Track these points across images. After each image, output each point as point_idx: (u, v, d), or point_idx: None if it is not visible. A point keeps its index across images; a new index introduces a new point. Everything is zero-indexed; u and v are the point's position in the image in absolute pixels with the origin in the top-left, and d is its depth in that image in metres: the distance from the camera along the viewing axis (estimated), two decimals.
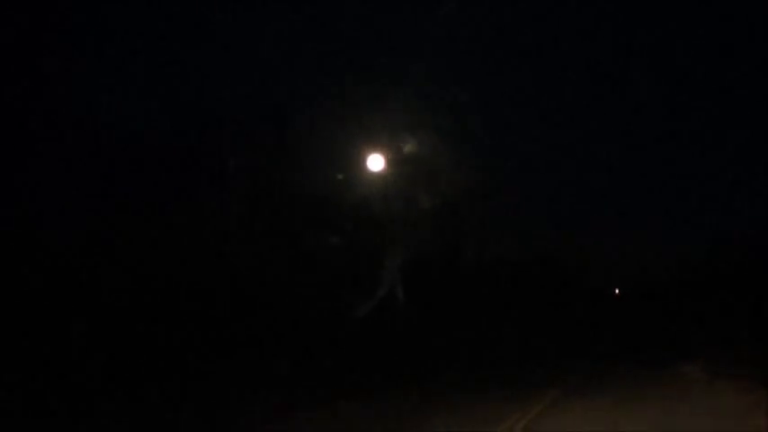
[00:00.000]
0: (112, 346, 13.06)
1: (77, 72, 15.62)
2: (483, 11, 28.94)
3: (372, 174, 17.62)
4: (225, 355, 14.92)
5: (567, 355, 24.95)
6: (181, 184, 16.18)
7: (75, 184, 14.27)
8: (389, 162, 18.04)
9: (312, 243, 18.39)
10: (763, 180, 41.06)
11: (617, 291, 50.62)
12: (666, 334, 33.19)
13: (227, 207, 17.01)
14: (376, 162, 17.03)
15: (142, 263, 14.49)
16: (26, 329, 11.65)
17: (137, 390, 12.12)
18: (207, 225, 16.09)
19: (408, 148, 19.53)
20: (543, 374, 18.82)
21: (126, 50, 18.21)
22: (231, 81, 21.90)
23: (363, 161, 17.82)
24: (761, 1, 26.32)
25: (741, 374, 16.21)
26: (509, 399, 13.45)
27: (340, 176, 18.26)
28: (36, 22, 14.81)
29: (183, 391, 12.68)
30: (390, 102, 19.49)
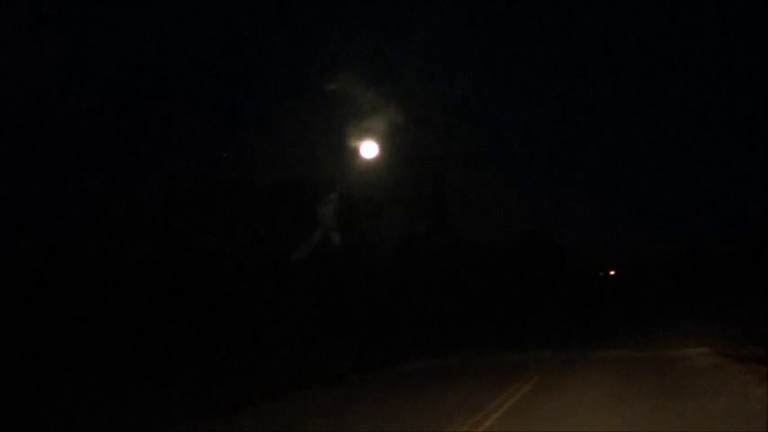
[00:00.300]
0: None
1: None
2: None
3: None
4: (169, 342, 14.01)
5: (551, 339, 21.88)
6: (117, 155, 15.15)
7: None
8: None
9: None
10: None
11: (612, 272, 48.11)
12: (666, 312, 30.45)
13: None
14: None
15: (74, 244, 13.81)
16: None
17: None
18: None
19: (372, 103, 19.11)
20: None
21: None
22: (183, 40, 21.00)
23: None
24: None
25: (757, 356, 13.46)
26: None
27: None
28: None
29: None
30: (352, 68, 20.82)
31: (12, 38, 14.65)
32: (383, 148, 18.04)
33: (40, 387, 10.73)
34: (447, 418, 8.79)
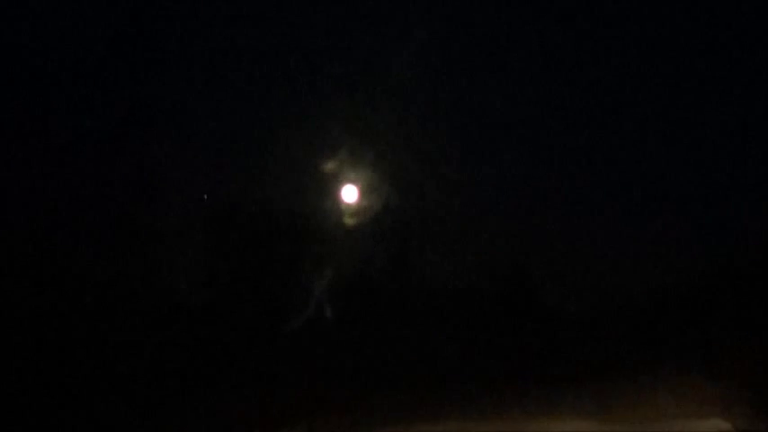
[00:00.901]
0: None
1: None
2: None
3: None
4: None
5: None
6: None
7: None
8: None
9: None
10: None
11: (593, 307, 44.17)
12: (657, 359, 25.91)
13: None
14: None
15: None
16: None
17: None
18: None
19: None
20: None
21: None
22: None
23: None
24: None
25: None
26: None
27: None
28: None
29: None
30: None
31: None
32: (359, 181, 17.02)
33: None
34: None
